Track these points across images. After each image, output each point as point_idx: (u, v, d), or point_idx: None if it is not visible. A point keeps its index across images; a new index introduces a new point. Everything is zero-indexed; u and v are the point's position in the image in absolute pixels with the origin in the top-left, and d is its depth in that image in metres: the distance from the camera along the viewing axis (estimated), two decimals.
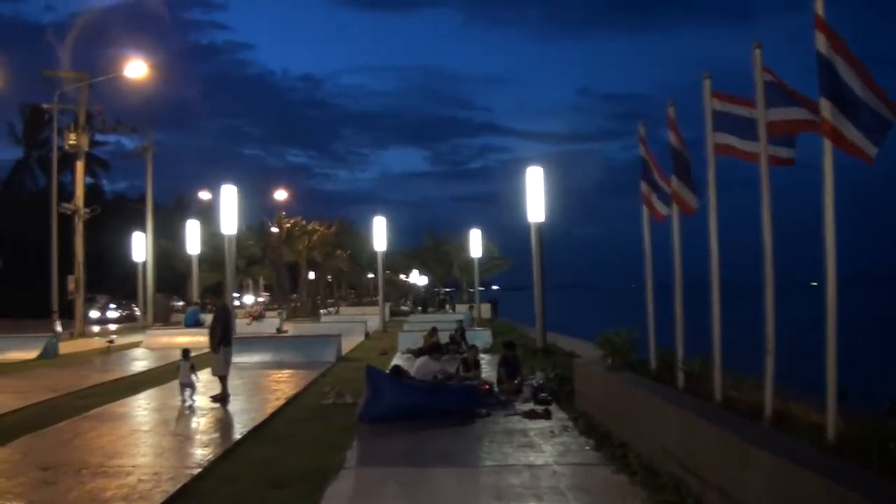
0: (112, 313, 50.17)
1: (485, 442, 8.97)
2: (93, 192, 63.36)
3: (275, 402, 12.30)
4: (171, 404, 12.33)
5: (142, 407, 12.27)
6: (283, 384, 14.84)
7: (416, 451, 8.56)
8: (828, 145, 5.56)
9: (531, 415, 10.45)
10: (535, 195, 20.41)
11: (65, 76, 34.21)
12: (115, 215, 53.46)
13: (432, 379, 11.38)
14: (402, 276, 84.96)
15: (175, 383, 14.78)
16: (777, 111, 6.65)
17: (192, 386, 12.06)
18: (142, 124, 41.27)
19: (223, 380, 12.61)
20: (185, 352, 12.49)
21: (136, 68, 33.63)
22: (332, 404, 11.99)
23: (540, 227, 20.17)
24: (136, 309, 50.53)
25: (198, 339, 24.57)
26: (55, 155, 35.10)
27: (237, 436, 9.57)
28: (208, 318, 31.98)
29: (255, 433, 9.84)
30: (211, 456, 8.38)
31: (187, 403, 11.91)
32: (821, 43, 5.53)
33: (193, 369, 12.25)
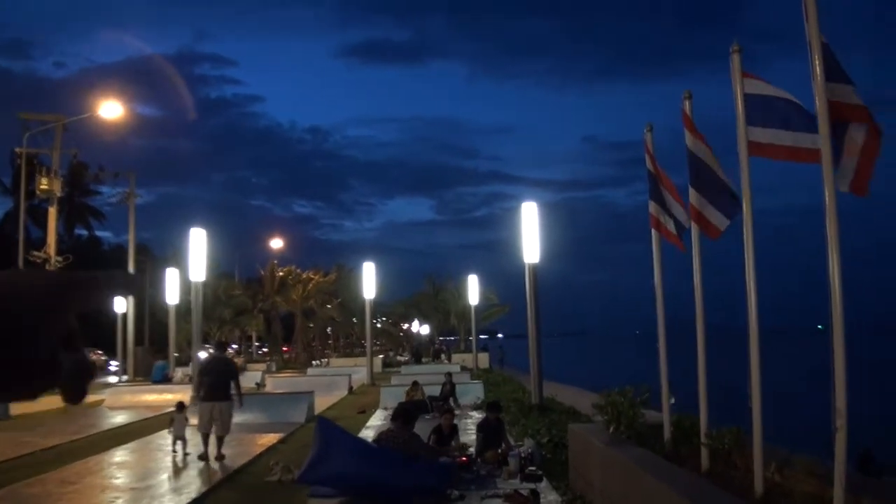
0: None
1: None
2: (90, 243, 61.92)
3: (207, 480, 10.13)
4: (90, 482, 10.25)
5: (53, 488, 10.05)
6: (232, 453, 12.60)
7: None
8: None
9: (515, 499, 8.28)
10: (531, 234, 18.47)
11: (39, 118, 32.75)
12: (111, 266, 51.57)
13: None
14: (404, 325, 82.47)
15: (111, 453, 13.22)
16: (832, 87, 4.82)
17: (184, 439, 12.02)
18: (124, 171, 39.80)
19: (206, 437, 11.79)
20: (181, 405, 12.55)
21: (111, 109, 32.11)
22: (277, 482, 9.89)
23: (535, 267, 18.17)
24: None
25: (164, 397, 22.64)
26: (22, 201, 33.35)
27: None
28: (177, 372, 30.09)
29: None
30: None
31: (179, 457, 11.87)
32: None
33: (188, 422, 12.17)
